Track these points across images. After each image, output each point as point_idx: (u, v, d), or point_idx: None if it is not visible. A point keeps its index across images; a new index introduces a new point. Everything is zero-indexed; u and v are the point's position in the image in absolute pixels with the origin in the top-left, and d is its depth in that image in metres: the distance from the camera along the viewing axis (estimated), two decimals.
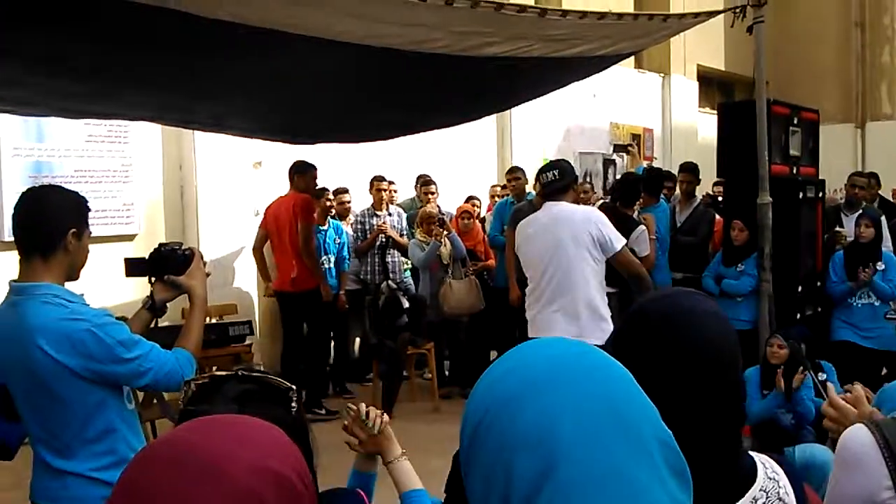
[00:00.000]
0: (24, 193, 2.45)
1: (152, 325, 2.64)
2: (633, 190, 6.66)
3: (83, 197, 2.49)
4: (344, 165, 7.84)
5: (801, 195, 6.40)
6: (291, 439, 0.90)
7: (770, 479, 1.31)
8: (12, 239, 2.44)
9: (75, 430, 2.36)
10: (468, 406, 0.86)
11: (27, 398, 2.38)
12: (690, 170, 7.84)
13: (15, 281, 2.39)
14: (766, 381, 5.13)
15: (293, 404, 1.23)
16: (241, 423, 0.89)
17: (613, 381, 0.83)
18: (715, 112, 7.47)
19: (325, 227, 7.39)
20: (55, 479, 2.38)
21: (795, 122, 6.60)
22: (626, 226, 5.54)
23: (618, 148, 11.38)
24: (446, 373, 7.77)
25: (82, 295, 2.41)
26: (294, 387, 1.25)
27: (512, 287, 7.08)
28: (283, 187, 7.68)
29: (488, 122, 10.03)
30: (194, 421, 0.90)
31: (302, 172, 6.84)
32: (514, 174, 7.97)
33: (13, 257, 2.44)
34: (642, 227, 6.13)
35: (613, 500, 0.74)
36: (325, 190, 7.46)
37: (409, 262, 7.67)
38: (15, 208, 2.41)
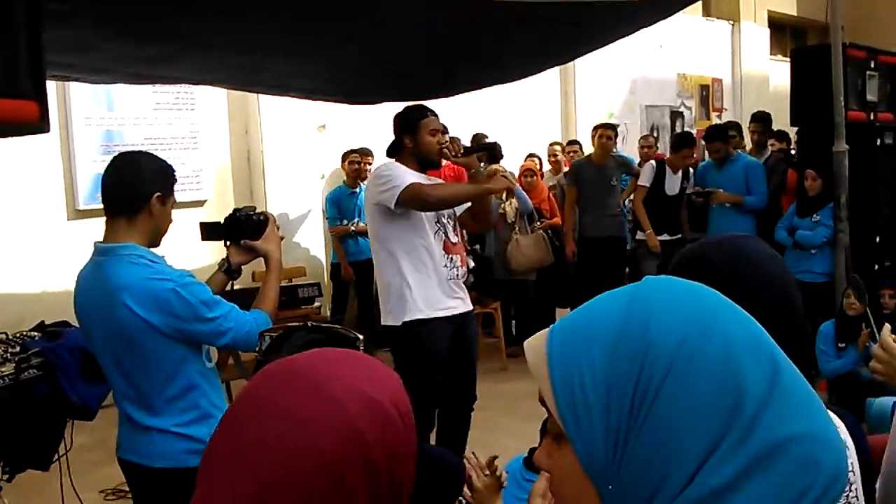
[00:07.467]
0: (114, 158, 2.55)
1: (228, 288, 2.73)
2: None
3: (171, 165, 2.56)
4: None
5: (878, 142, 6.19)
6: None
7: None
8: (88, 207, 2.52)
9: (159, 387, 2.44)
10: (652, 334, 0.73)
11: (113, 356, 2.46)
12: (761, 119, 7.62)
13: (100, 242, 2.46)
14: (842, 334, 5.02)
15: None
16: (350, 355, 0.93)
17: None
18: (787, 59, 7.22)
19: (357, 190, 7.31)
20: (142, 434, 2.47)
21: (873, 66, 6.34)
22: None
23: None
24: (513, 332, 7.78)
25: (163, 257, 2.48)
26: (361, 336, 1.28)
27: (568, 242, 7.46)
28: (346, 150, 7.73)
29: (551, 77, 9.87)
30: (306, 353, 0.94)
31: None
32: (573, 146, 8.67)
33: (88, 225, 2.51)
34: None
35: (818, 409, 0.75)
36: (350, 152, 7.49)
37: None
38: (105, 171, 2.51)
